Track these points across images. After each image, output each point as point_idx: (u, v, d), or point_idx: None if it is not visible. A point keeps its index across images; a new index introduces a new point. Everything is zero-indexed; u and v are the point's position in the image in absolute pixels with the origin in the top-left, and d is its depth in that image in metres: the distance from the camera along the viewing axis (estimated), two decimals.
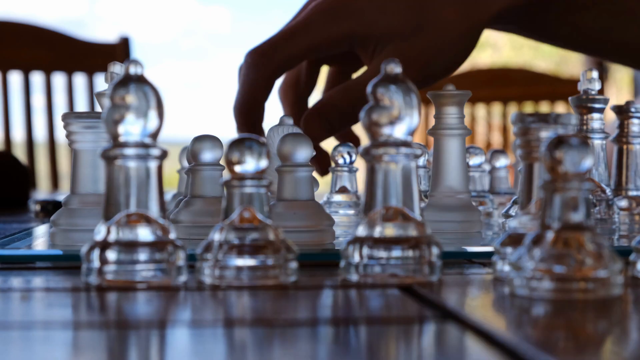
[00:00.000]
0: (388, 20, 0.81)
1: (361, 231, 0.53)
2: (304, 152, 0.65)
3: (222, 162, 0.69)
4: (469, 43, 0.83)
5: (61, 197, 1.03)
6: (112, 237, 0.51)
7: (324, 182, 0.89)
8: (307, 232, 0.64)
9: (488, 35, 6.83)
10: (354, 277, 0.52)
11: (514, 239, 0.52)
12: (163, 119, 0.52)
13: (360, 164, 0.75)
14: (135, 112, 0.51)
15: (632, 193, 0.78)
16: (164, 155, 0.52)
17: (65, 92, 2.00)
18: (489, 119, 2.32)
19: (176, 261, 0.51)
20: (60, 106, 2.00)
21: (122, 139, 0.51)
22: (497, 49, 6.80)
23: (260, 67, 0.81)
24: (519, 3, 0.85)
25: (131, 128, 0.51)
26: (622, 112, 0.79)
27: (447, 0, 0.82)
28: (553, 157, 0.47)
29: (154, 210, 0.51)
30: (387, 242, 0.52)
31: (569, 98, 0.76)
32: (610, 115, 0.82)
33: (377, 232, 0.52)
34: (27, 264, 0.60)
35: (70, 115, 0.66)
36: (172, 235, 0.52)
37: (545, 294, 0.46)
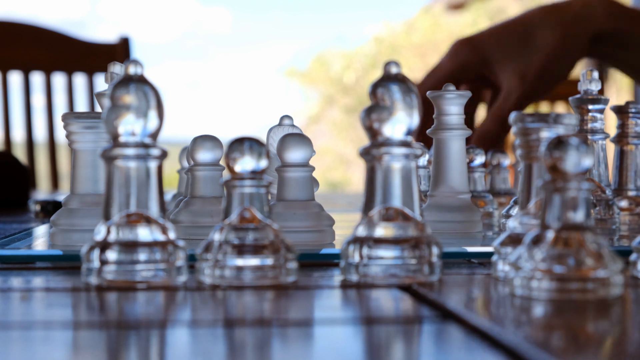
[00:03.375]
0: (502, 48, 1.10)
1: (361, 231, 0.53)
2: (304, 152, 0.65)
3: (222, 162, 0.69)
4: (571, 57, 1.11)
5: (61, 197, 1.03)
6: (112, 237, 0.51)
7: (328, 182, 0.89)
8: (307, 232, 0.64)
9: None
10: (354, 277, 0.52)
11: (514, 239, 0.52)
12: (163, 119, 0.52)
13: (360, 164, 0.76)
14: (135, 112, 0.51)
15: (632, 193, 0.78)
16: (164, 155, 0.52)
17: (65, 92, 2.00)
18: None
19: (176, 261, 0.51)
20: (60, 106, 2.00)
21: (122, 139, 0.51)
22: None
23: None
24: (613, 28, 1.11)
25: (131, 128, 0.51)
26: (622, 112, 0.79)
27: (547, 25, 1.10)
28: (553, 157, 0.47)
29: (154, 210, 0.51)
30: (387, 242, 0.52)
31: (569, 98, 0.76)
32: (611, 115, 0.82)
33: (377, 232, 0.52)
34: (27, 264, 0.60)
35: (70, 115, 0.66)
36: (172, 235, 0.52)
37: (545, 294, 0.46)
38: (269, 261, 0.51)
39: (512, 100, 1.09)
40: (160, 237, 0.51)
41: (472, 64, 1.12)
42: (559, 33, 1.10)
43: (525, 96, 1.09)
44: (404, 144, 0.52)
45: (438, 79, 1.11)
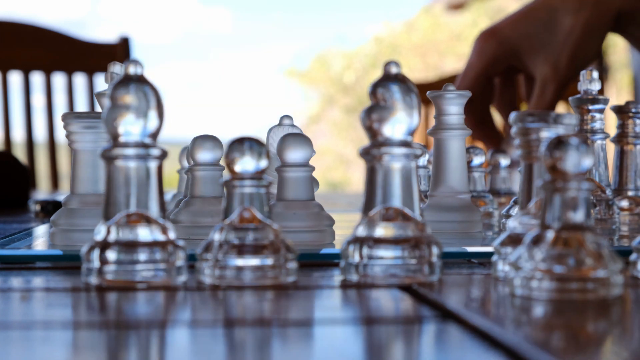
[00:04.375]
0: (529, 38, 1.10)
1: (361, 231, 0.53)
2: (304, 152, 0.65)
3: (222, 162, 0.69)
4: (597, 39, 1.09)
5: (61, 197, 1.03)
6: (112, 237, 0.51)
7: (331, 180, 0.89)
8: (307, 232, 0.64)
9: None
10: (354, 277, 0.52)
11: (514, 239, 0.52)
12: (163, 119, 0.52)
13: (360, 164, 0.76)
14: (135, 112, 0.51)
15: (632, 193, 0.78)
16: (164, 155, 0.52)
17: (65, 92, 2.00)
18: None
19: (176, 261, 0.51)
20: (60, 106, 2.00)
21: (122, 139, 0.51)
22: None
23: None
24: (634, 7, 1.08)
25: (131, 128, 0.51)
26: (622, 112, 0.79)
27: (570, 8, 1.08)
28: (553, 157, 0.47)
29: (154, 210, 0.51)
30: (387, 242, 0.52)
31: (569, 98, 0.76)
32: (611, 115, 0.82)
33: (377, 232, 0.52)
34: (27, 264, 0.60)
35: (70, 115, 0.66)
36: (172, 235, 0.52)
37: (545, 294, 0.46)
38: (269, 261, 0.51)
39: (551, 90, 1.08)
40: (160, 237, 0.51)
41: (500, 58, 1.11)
42: (583, 16, 1.08)
43: (561, 85, 1.08)
44: (404, 144, 0.52)
45: (471, 79, 1.10)
